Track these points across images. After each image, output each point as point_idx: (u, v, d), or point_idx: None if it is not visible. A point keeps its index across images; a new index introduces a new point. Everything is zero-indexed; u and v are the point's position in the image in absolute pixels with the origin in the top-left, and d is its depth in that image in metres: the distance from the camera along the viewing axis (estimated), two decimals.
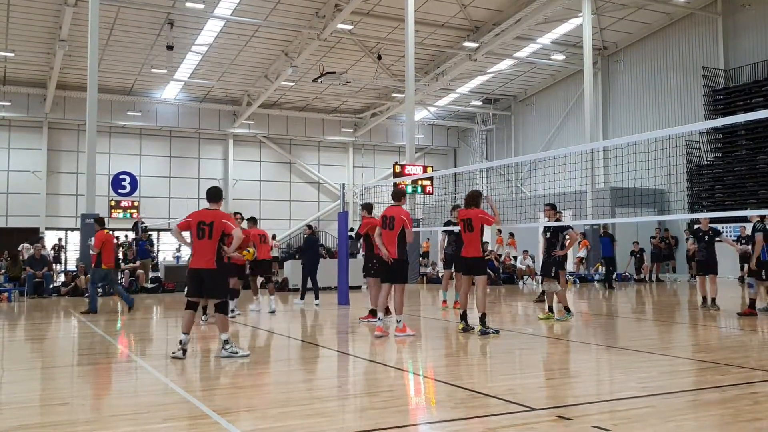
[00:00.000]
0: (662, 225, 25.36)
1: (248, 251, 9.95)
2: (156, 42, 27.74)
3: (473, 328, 9.39)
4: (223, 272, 7.72)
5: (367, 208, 12.22)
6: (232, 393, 6.05)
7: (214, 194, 7.77)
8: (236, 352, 7.51)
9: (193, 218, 7.59)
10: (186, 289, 7.62)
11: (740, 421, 4.72)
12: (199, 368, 7.52)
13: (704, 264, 13.02)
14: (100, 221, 13.71)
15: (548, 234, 11.47)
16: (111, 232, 14.58)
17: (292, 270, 19.76)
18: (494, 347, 8.42)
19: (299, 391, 5.99)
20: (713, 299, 12.81)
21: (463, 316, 9.61)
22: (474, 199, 9.71)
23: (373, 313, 10.87)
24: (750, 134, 24.95)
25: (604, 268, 21.16)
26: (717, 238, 13.01)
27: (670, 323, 11.29)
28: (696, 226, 14.01)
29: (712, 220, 23.27)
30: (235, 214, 11.94)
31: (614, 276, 21.22)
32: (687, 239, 14.76)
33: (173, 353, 7.49)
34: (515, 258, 24.09)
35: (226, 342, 7.54)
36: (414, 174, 23.18)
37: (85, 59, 22.02)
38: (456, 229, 13.48)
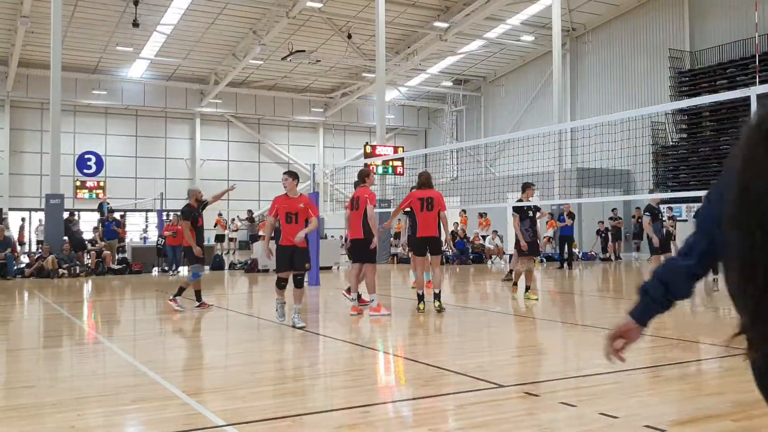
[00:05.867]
0: (628, 205, 25.66)
1: None
2: (121, 19, 27.16)
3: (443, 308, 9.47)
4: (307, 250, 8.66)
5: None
6: (201, 374, 6.03)
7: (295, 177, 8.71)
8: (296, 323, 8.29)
9: (279, 205, 8.54)
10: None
11: (702, 395, 4.85)
12: (167, 350, 7.49)
13: (531, 245, 11.11)
14: None
15: (532, 213, 11.29)
16: None
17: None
18: (463, 325, 8.50)
19: (269, 371, 5.99)
20: (528, 286, 11.28)
21: (437, 296, 9.62)
22: (430, 180, 9.68)
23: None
24: (714, 115, 25.33)
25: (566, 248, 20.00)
26: (539, 214, 11.91)
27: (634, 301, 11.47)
28: (519, 202, 11.50)
29: (678, 200, 23.47)
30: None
31: (567, 255, 19.93)
32: (513, 214, 13.15)
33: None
34: (484, 238, 24.30)
35: (297, 312, 8.41)
36: (385, 155, 23.15)
37: (48, 36, 21.53)
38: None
